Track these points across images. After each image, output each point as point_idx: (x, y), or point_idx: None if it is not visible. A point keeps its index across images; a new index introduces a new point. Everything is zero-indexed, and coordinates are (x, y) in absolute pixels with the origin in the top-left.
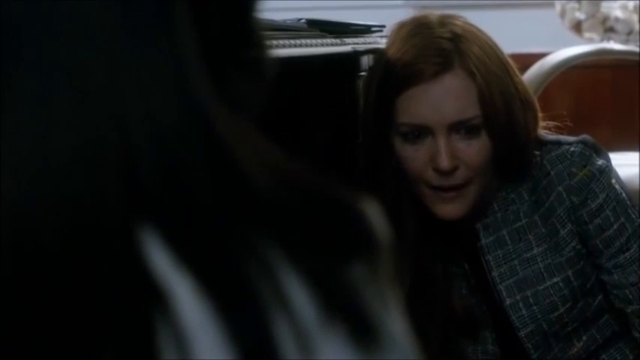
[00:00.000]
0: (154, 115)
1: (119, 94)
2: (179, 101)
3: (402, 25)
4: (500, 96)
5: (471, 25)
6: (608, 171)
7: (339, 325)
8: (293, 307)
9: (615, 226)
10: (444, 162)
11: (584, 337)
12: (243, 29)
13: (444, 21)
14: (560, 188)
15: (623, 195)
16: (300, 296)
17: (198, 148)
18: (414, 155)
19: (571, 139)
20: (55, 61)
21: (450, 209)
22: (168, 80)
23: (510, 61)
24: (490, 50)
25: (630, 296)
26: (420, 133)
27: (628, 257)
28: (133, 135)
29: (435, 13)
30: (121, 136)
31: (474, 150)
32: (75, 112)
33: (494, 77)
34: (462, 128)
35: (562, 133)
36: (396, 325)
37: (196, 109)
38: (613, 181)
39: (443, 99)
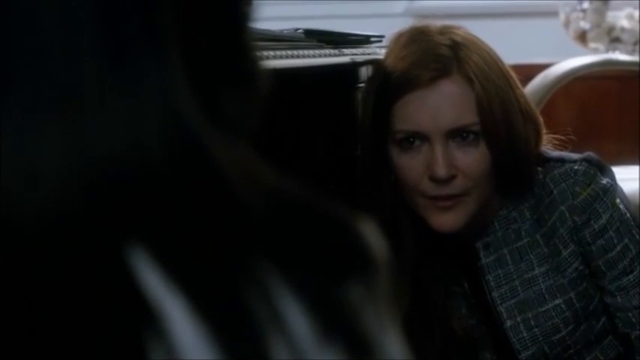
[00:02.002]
0: (141, 138)
1: (105, 119)
2: (166, 123)
3: (401, 34)
4: (500, 105)
5: (472, 35)
6: (612, 190)
7: (336, 346)
8: (289, 327)
9: (618, 248)
10: (441, 170)
11: (588, 359)
12: (237, 43)
13: (444, 30)
14: (562, 208)
15: (627, 215)
16: (296, 317)
17: (187, 170)
18: (410, 164)
19: (575, 156)
20: (42, 89)
21: (446, 219)
22: (154, 103)
23: (512, 73)
24: (491, 60)
25: (633, 319)
26: (415, 139)
27: (631, 279)
28: (120, 158)
29: (436, 23)
30: (108, 159)
31: (472, 159)
32: (62, 137)
33: (494, 86)
34: (459, 135)
35: (566, 147)
36: (393, 345)
37: (184, 131)
38: (617, 200)
39: (440, 105)
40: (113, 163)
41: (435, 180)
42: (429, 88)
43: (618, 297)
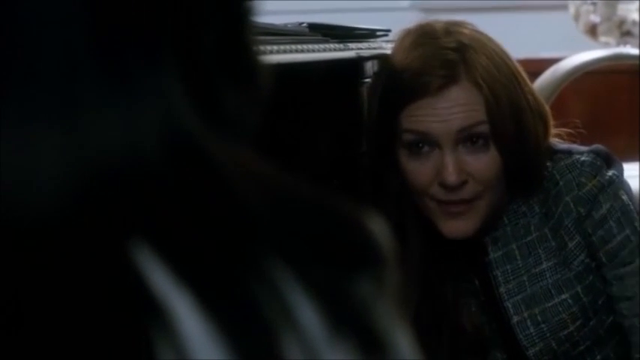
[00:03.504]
0: (139, 139)
1: (103, 120)
2: (163, 123)
3: (406, 34)
4: (509, 107)
5: (480, 33)
6: (617, 182)
7: (347, 341)
8: (300, 324)
9: (619, 238)
10: (452, 176)
11: (599, 357)
12: (239, 38)
13: (450, 29)
14: (567, 199)
15: (631, 207)
16: (306, 312)
17: (185, 169)
18: (420, 169)
19: (582, 148)
20: (40, 92)
21: (457, 226)
22: (150, 103)
23: (521, 70)
24: (499, 60)
25: (624, 311)
26: (425, 144)
27: (629, 270)
28: (119, 158)
29: (441, 20)
30: (106, 159)
31: (483, 164)
32: (60, 139)
33: (503, 88)
34: (469, 140)
35: (575, 142)
36: (403, 340)
37: (181, 130)
38: (621, 192)
39: (449, 112)
40: (112, 164)
41: (445, 186)
42: (438, 96)
43: (614, 286)
